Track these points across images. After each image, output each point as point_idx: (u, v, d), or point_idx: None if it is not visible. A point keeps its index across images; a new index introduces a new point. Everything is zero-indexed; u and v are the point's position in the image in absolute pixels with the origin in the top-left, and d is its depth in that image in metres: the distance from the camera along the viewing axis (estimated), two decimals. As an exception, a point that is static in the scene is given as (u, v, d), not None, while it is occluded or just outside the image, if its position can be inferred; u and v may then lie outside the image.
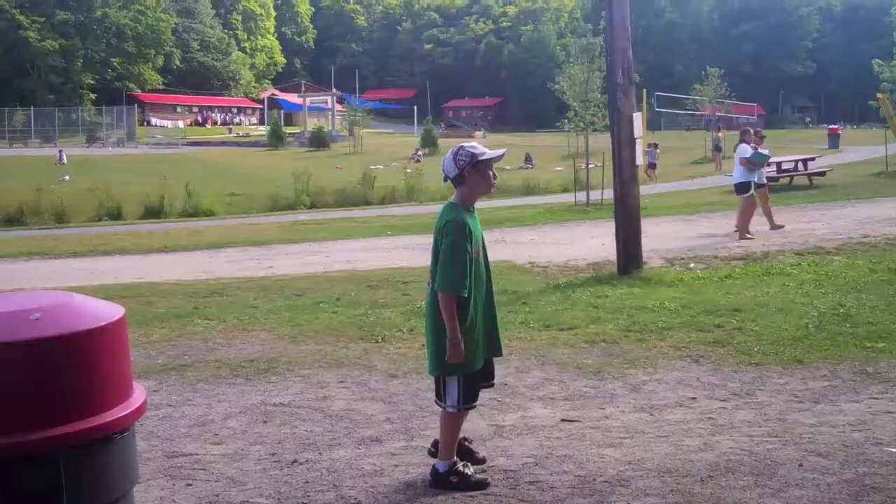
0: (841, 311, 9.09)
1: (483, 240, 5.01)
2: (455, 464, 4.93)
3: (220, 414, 6.49)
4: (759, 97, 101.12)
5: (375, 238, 19.51)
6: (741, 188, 16.81)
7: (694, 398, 6.50)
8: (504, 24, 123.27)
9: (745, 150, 16.81)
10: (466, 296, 4.75)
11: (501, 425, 5.98)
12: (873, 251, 14.04)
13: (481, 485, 4.86)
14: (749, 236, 16.28)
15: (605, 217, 18.50)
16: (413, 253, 15.84)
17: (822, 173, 30.77)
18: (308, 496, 4.83)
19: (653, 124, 76.77)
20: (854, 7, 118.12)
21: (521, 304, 10.39)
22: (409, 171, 39.10)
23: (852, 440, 5.38)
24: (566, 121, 30.27)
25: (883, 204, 22.30)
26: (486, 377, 5.12)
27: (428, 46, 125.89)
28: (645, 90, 36.68)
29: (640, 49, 79.09)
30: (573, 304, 10.22)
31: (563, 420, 6.06)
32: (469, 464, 4.99)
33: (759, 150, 16.93)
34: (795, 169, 30.92)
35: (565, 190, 31.81)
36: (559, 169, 42.66)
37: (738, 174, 16.97)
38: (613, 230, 12.56)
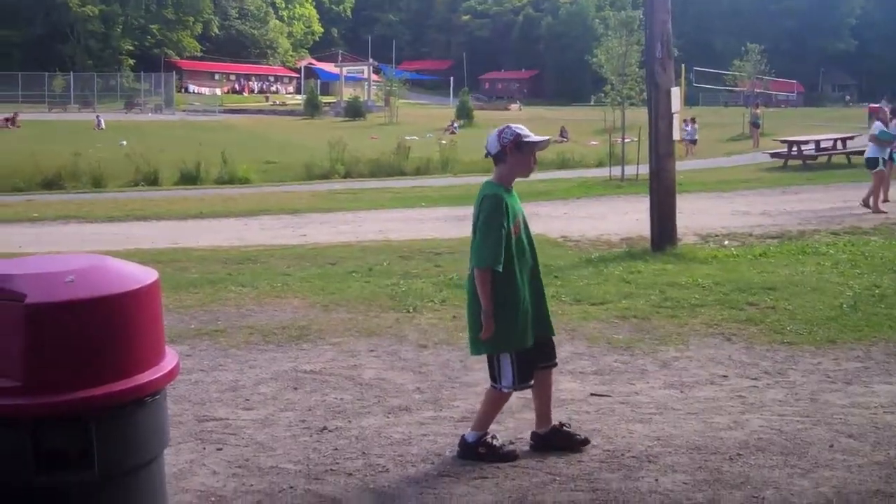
0: (876, 291, 8.99)
1: (525, 217, 4.98)
2: (485, 435, 4.93)
3: (251, 380, 6.54)
4: (799, 74, 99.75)
5: (409, 209, 19.52)
6: (871, 163, 17.29)
7: (725, 376, 6.47)
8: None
9: (877, 126, 17.56)
10: (501, 271, 4.72)
11: (531, 398, 5.97)
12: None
13: (509, 456, 4.86)
14: (883, 210, 16.57)
15: (639, 192, 18.37)
16: (447, 224, 15.84)
17: (861, 152, 30.32)
18: (337, 463, 4.87)
19: (691, 100, 76.06)
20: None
21: (553, 277, 10.33)
22: (444, 142, 38.98)
23: (884, 422, 5.34)
24: (603, 94, 30.05)
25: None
26: (544, 357, 5.05)
27: (465, 17, 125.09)
28: (683, 65, 36.32)
29: (679, 23, 77.88)
30: (605, 278, 10.18)
31: (592, 394, 6.06)
32: (497, 435, 4.99)
33: (886, 129, 17.44)
34: (834, 147, 30.53)
35: (600, 164, 31.61)
36: (594, 143, 42.35)
37: (869, 149, 17.65)
38: (647, 206, 12.47)
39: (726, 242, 13.19)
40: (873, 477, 4.51)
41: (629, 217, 15.95)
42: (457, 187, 24.30)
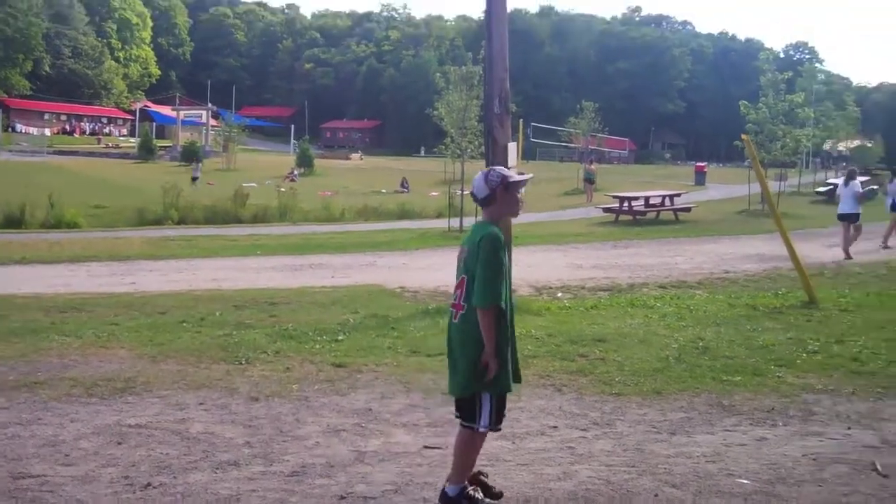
0: (700, 344, 9.36)
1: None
2: (466, 488, 4.87)
3: (71, 434, 6.23)
4: (632, 132, 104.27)
5: (244, 257, 19.20)
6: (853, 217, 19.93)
7: (555, 427, 6.57)
8: (385, 47, 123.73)
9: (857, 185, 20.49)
10: (504, 307, 4.74)
11: (363, 451, 5.91)
12: (733, 286, 14.55)
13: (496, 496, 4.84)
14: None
15: (477, 244, 18.61)
16: (283, 274, 15.65)
17: (688, 209, 31.85)
18: (160, 522, 4.67)
19: (528, 154, 78.06)
20: (724, 51, 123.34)
21: (389, 328, 10.36)
22: (283, 189, 38.69)
23: (706, 471, 5.52)
24: (443, 147, 30.49)
25: (744, 241, 23.17)
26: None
27: (308, 66, 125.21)
28: (521, 120, 37.30)
29: (518, 80, 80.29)
30: (441, 329, 10.14)
31: (425, 447, 6.03)
32: (479, 488, 4.92)
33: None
34: (662, 204, 31.90)
35: (440, 215, 32.01)
36: (435, 194, 42.91)
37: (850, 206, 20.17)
38: (484, 257, 12.62)
39: (559, 295, 13.50)
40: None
41: (466, 268, 16.11)
42: (295, 236, 24.10)
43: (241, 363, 8.50)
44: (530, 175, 5.21)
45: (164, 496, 5.04)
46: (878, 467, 5.55)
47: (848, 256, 19.01)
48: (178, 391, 7.47)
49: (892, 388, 7.60)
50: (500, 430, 4.97)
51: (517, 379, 5.02)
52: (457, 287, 4.91)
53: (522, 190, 5.06)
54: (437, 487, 5.18)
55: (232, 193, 33.64)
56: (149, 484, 5.23)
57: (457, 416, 4.96)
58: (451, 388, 4.94)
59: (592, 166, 45.97)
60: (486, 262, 4.72)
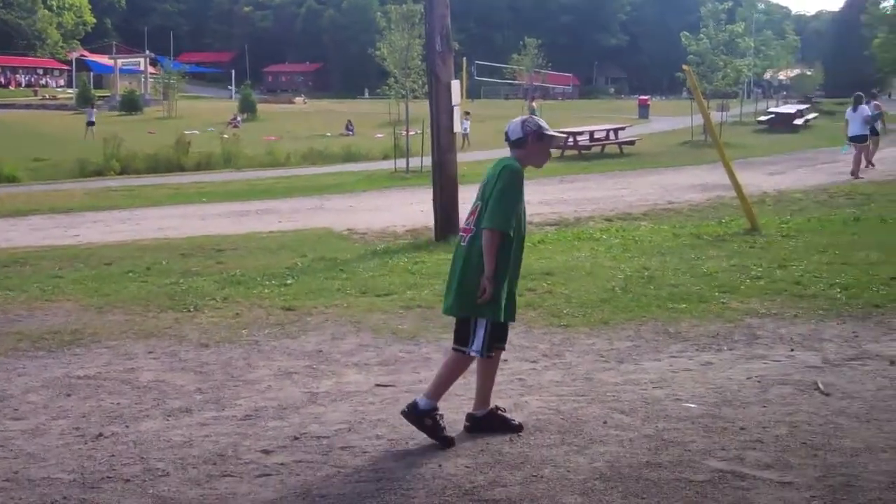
0: (646, 273, 9.48)
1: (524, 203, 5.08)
2: (436, 409, 4.93)
3: (19, 388, 6.17)
4: (575, 68, 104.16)
5: (189, 205, 19.01)
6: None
7: (505, 360, 6.61)
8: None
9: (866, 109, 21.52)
10: (512, 236, 4.86)
11: (315, 392, 5.94)
12: (677, 216, 14.73)
13: (447, 441, 4.88)
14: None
15: (424, 184, 18.61)
16: (229, 220, 15.52)
17: (632, 142, 32.03)
18: (114, 469, 4.66)
19: (473, 93, 77.72)
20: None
21: (338, 270, 10.34)
22: (226, 136, 38.20)
23: (653, 397, 5.62)
24: (387, 87, 30.27)
25: (687, 171, 23.41)
26: (500, 338, 5.12)
27: (247, 9, 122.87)
28: (465, 58, 37.01)
29: (460, 18, 79.69)
30: (390, 270, 10.25)
31: (377, 385, 6.07)
32: (444, 416, 4.98)
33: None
34: (607, 138, 32.03)
35: (386, 157, 31.86)
36: (380, 136, 42.61)
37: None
38: (432, 197, 12.65)
39: (507, 231, 13.55)
40: (643, 449, 4.74)
41: (414, 208, 16.14)
42: (240, 182, 23.89)
43: (189, 311, 8.46)
44: (563, 136, 5.28)
45: (117, 445, 5.02)
46: (820, 386, 5.70)
47: (858, 177, 20.21)
48: (126, 341, 7.42)
49: (833, 310, 7.78)
50: (491, 356, 5.06)
51: (512, 317, 5.14)
52: (470, 214, 5.06)
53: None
54: (389, 424, 5.23)
55: (174, 141, 33.13)
56: (100, 434, 5.21)
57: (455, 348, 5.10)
58: (445, 307, 5.10)
59: (534, 103, 45.80)
60: (501, 190, 4.86)
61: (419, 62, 27.52)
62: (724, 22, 37.14)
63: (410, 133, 27.66)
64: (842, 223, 12.94)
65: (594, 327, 7.46)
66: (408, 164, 25.88)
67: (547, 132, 5.09)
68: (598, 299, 8.37)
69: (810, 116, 48.13)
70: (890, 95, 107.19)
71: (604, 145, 31.59)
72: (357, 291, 9.14)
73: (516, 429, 5.06)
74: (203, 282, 9.78)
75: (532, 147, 5.06)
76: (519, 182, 4.94)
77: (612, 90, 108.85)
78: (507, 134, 5.12)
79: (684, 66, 14.52)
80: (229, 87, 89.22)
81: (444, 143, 12.49)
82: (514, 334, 7.29)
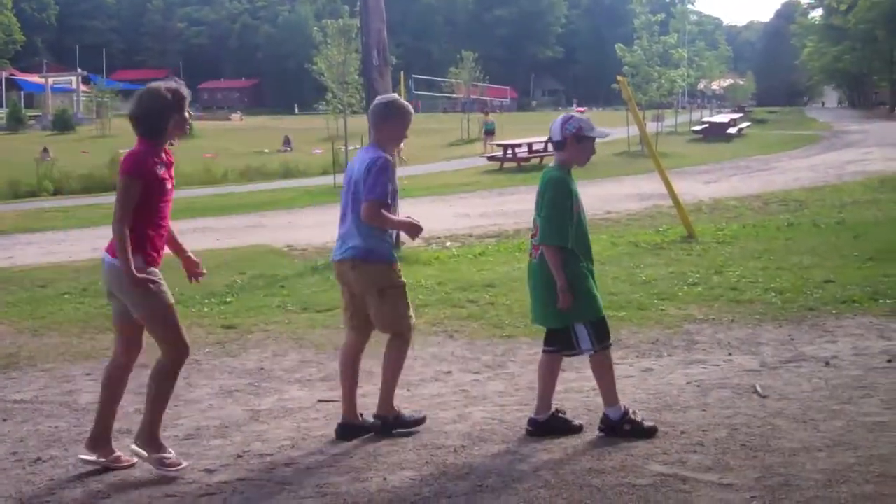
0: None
1: (580, 198, 5.17)
2: (627, 412, 5.04)
3: (-48, 415, 6.03)
4: (512, 80, 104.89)
5: (127, 224, 18.70)
6: None
7: (449, 372, 6.66)
8: (260, 3, 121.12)
9: None
10: (570, 246, 4.95)
11: (258, 410, 5.89)
12: (615, 226, 14.88)
13: (652, 432, 4.98)
14: None
15: (364, 198, 18.57)
16: (167, 238, 15.28)
17: (569, 153, 32.23)
18: (53, 493, 4.59)
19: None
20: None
21: (278, 287, 10.30)
22: (162, 154, 37.65)
23: (596, 404, 5.65)
24: (325, 103, 30.19)
25: (624, 181, 23.68)
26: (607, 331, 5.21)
27: (181, 25, 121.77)
28: (402, 72, 37.03)
29: (397, 32, 79.93)
30: (331, 285, 10.13)
31: (319, 401, 6.04)
32: (637, 410, 5.10)
33: None
34: (545, 149, 32.24)
35: (325, 172, 31.68)
36: (319, 151, 42.42)
37: None
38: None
39: (448, 244, 13.60)
40: (587, 456, 4.78)
41: (354, 223, 16.05)
42: (176, 200, 23.21)
43: (127, 331, 8.32)
44: (607, 133, 5.33)
45: (56, 469, 4.94)
46: (758, 389, 5.80)
47: None
48: (63, 363, 7.30)
49: (769, 315, 7.94)
50: (610, 346, 5.16)
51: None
52: (532, 233, 5.24)
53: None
54: (332, 438, 5.20)
55: (108, 161, 32.63)
56: (38, 458, 5.12)
57: (544, 351, 5.26)
58: (536, 318, 5.29)
59: (490, 116, 45.15)
60: (550, 204, 5.00)
61: (357, 76, 27.50)
62: (658, 34, 37.67)
63: (349, 148, 27.57)
64: (776, 229, 13.19)
65: (536, 337, 7.45)
66: (347, 179, 25.77)
67: (585, 133, 5.10)
68: (529, 308, 8.40)
69: (743, 125, 49.01)
70: (823, 104, 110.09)
71: (542, 157, 31.78)
72: (298, 308, 9.10)
73: (578, 429, 5.15)
74: (141, 301, 9.63)
75: (572, 148, 5.11)
76: (562, 190, 5.03)
77: (547, 101, 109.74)
78: (550, 136, 5.22)
79: (619, 78, 14.71)
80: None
81: (382, 157, 12.46)
82: (458, 346, 7.34)
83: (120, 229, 4.62)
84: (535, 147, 32.01)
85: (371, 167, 5.10)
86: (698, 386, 5.97)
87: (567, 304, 4.91)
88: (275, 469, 4.80)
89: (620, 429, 5.02)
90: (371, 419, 5.32)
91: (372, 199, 5.02)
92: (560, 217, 4.97)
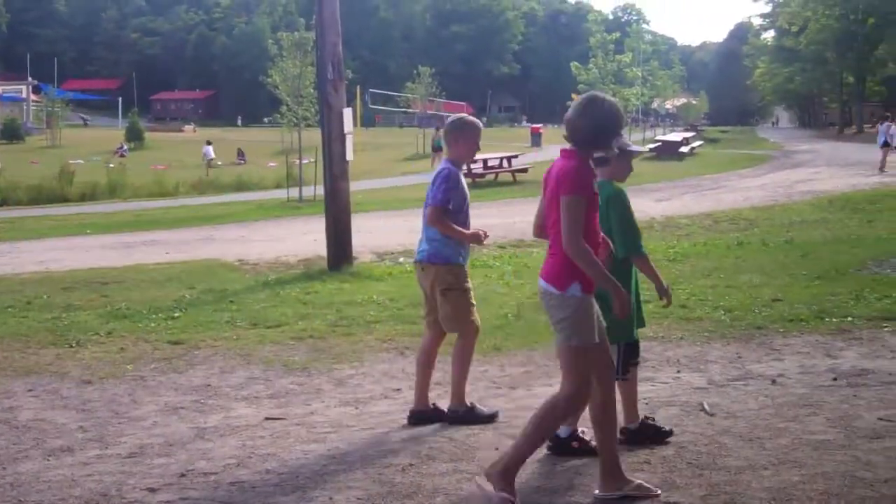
0: (537, 300, 9.54)
1: None
2: (644, 419, 5.17)
3: None
4: (469, 96, 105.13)
5: (73, 237, 18.49)
6: None
7: (399, 389, 6.61)
8: (216, 15, 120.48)
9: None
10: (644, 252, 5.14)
11: (203, 427, 5.81)
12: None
13: (669, 433, 5.14)
14: None
15: (318, 213, 18.45)
16: (114, 252, 15.14)
17: (525, 170, 32.43)
18: (-14, 513, 4.47)
19: (367, 121, 77.86)
20: (555, 13, 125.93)
21: (227, 302, 10.18)
22: (111, 165, 37.37)
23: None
24: (279, 115, 30.06)
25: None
26: (636, 353, 5.28)
27: (134, 35, 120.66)
28: (359, 86, 36.97)
29: (353, 46, 79.87)
30: (282, 300, 10.12)
31: (267, 418, 5.97)
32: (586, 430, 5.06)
33: None
34: (500, 166, 32.37)
35: (279, 186, 31.57)
36: (273, 164, 42.24)
37: None
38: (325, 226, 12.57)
39: (401, 259, 13.55)
40: (535, 475, 4.75)
41: (307, 238, 16.00)
42: (126, 213, 23.37)
43: (71, 346, 8.20)
44: (645, 149, 5.36)
45: (-8, 488, 4.82)
46: (706, 407, 5.82)
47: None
48: (4, 379, 7.15)
49: (718, 332, 7.99)
50: (626, 378, 5.14)
51: (642, 323, 5.42)
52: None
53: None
54: (279, 458, 5.13)
55: (57, 171, 32.24)
56: (-25, 477, 4.99)
57: (634, 363, 5.25)
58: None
59: (440, 132, 45.48)
60: (620, 218, 5.09)
61: (312, 90, 27.40)
62: (613, 52, 38.09)
63: (304, 161, 27.46)
64: (726, 248, 13.32)
65: (486, 354, 7.48)
66: (301, 192, 25.68)
67: (626, 148, 5.15)
68: (490, 326, 8.38)
69: (696, 144, 49.58)
70: (775, 123, 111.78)
71: (497, 173, 31.90)
72: (247, 323, 9.00)
73: (668, 434, 5.18)
74: (86, 316, 9.49)
75: (616, 164, 5.15)
76: (627, 202, 5.13)
77: (503, 117, 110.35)
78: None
79: (574, 96, 14.80)
80: (121, 115, 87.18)
81: (336, 172, 12.43)
82: (408, 363, 7.29)
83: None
84: (490, 163, 32.09)
85: (436, 177, 5.65)
86: (647, 403, 5.96)
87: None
88: (219, 488, 4.71)
89: (643, 439, 5.12)
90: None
91: (433, 205, 5.57)
92: (634, 226, 5.14)
